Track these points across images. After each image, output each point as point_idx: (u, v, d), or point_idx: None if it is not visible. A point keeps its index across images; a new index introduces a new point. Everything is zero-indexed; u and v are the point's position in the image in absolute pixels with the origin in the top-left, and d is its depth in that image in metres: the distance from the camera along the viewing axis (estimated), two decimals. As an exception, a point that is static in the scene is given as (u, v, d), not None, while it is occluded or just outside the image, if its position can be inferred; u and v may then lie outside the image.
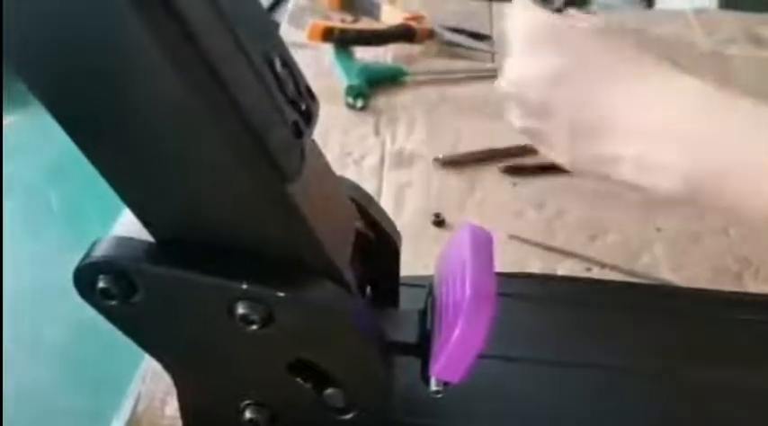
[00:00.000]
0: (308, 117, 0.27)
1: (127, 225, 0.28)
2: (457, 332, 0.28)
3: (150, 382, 0.40)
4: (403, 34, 0.71)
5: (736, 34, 0.75)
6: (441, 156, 0.58)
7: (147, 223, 0.27)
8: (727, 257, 0.51)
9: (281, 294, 0.27)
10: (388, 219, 0.35)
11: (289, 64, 0.27)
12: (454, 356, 0.29)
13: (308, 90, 0.28)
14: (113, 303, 0.27)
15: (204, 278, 0.27)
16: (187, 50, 0.23)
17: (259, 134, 0.25)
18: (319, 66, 0.68)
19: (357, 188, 0.34)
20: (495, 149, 0.59)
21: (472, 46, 0.72)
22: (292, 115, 0.26)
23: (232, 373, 0.30)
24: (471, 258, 0.30)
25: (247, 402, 0.30)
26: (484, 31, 0.75)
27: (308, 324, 0.28)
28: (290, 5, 0.80)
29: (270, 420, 0.30)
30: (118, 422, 0.39)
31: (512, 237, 0.52)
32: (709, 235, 0.53)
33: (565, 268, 0.50)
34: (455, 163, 0.58)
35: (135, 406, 0.40)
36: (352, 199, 0.33)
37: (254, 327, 0.27)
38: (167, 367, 0.30)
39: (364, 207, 0.33)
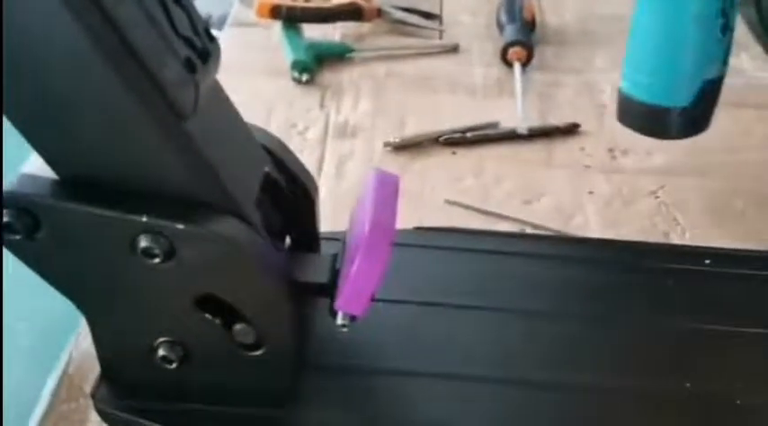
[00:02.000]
0: (205, 55, 0.28)
1: (35, 163, 0.29)
2: (356, 265, 0.29)
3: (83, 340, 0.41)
4: (351, 12, 0.72)
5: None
6: (392, 141, 0.58)
7: (50, 162, 0.28)
8: (655, 218, 0.52)
9: (181, 226, 0.28)
10: (305, 170, 0.36)
11: (183, 3, 0.28)
12: (354, 288, 0.30)
13: (207, 31, 0.29)
14: (18, 237, 0.28)
15: (106, 212, 0.28)
16: None
17: (150, 69, 0.25)
18: (268, 43, 0.69)
19: (271, 137, 0.35)
20: (444, 131, 0.59)
21: (420, 24, 0.73)
22: (184, 50, 0.27)
23: (140, 310, 0.30)
24: (373, 198, 0.31)
25: (160, 340, 0.31)
26: (434, 10, 0.76)
27: (210, 258, 0.29)
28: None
29: (183, 357, 0.31)
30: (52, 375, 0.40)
31: (449, 203, 0.54)
32: (639, 198, 0.54)
33: (506, 227, 0.51)
34: (405, 146, 0.58)
35: (69, 356, 0.41)
36: (266, 148, 0.34)
37: (157, 260, 0.28)
38: (79, 306, 0.31)
39: (278, 155, 0.34)
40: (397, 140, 0.58)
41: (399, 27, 0.73)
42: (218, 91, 0.31)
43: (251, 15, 0.72)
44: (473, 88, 0.66)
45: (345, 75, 0.67)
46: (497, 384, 0.34)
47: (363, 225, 0.30)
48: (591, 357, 0.36)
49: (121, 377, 0.32)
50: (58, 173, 0.28)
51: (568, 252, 0.44)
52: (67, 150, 0.28)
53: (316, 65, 0.66)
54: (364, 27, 0.73)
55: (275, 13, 0.69)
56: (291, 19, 0.69)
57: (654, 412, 0.33)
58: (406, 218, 0.42)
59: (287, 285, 0.30)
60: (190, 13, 0.28)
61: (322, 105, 0.63)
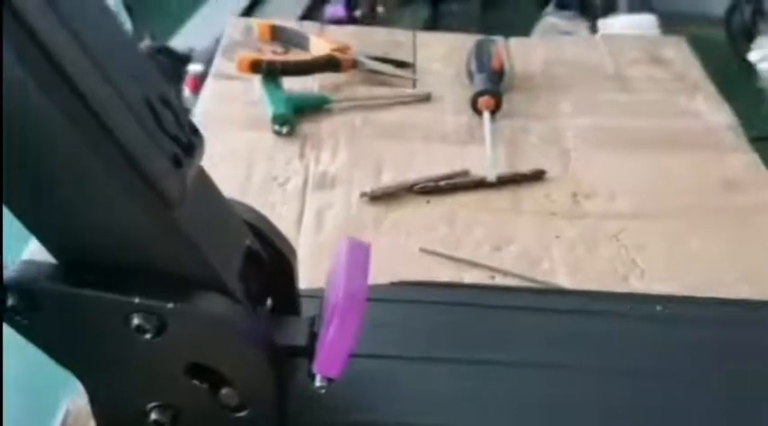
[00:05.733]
0: (190, 149, 0.31)
1: (37, 248, 0.32)
2: (331, 331, 0.32)
3: (80, 398, 0.44)
4: (328, 64, 0.75)
5: (638, 56, 0.81)
6: (368, 191, 0.61)
7: (49, 248, 0.31)
8: (616, 262, 0.56)
9: (171, 305, 0.31)
10: (282, 237, 0.39)
11: (170, 102, 0.31)
12: (330, 353, 0.32)
13: (191, 126, 0.32)
14: (21, 318, 0.31)
15: (100, 294, 0.31)
16: (67, 97, 0.26)
17: (138, 166, 0.28)
18: (248, 97, 0.72)
19: (252, 210, 0.38)
20: (418, 180, 0.62)
21: (394, 73, 0.77)
22: (173, 148, 0.30)
23: (134, 378, 0.33)
24: (345, 266, 0.34)
25: (152, 404, 0.34)
26: (407, 59, 0.80)
27: (198, 332, 0.31)
28: (223, 39, 0.84)
29: (173, 419, 0.34)
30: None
31: (424, 251, 0.57)
32: (602, 242, 0.57)
33: (471, 277, 0.54)
34: (381, 196, 0.61)
35: (64, 419, 0.43)
36: (247, 222, 0.37)
37: (149, 336, 0.31)
38: (78, 376, 0.33)
39: (258, 227, 0.37)
40: (372, 190, 0.61)
41: (374, 77, 0.77)
42: (202, 176, 0.34)
43: (232, 68, 0.76)
44: (445, 136, 0.70)
45: (324, 126, 0.70)
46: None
47: (337, 293, 0.33)
48: (576, 405, 0.39)
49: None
50: (55, 257, 0.31)
51: (540, 302, 0.47)
52: (64, 237, 0.30)
53: (295, 116, 0.69)
54: (341, 77, 0.76)
55: (255, 67, 0.72)
56: (271, 73, 0.72)
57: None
58: (383, 267, 0.45)
59: (268, 351, 0.33)
60: (176, 111, 0.31)
61: (302, 156, 0.66)
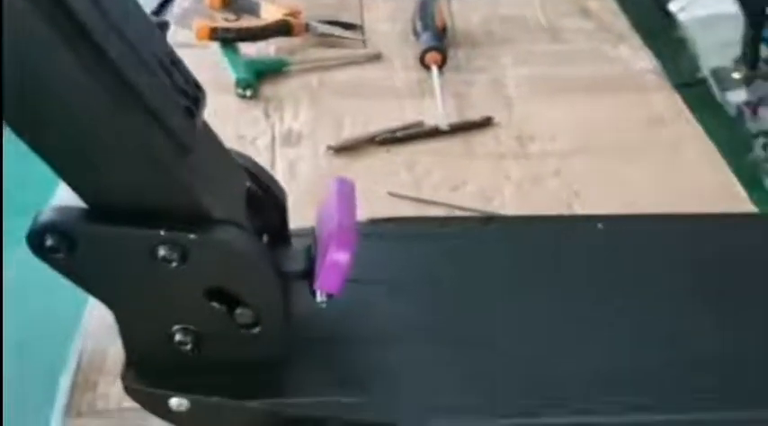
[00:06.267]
0: (197, 102, 0.36)
1: (63, 196, 0.36)
2: (330, 252, 0.38)
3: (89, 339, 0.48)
4: (281, 29, 0.79)
5: (569, 9, 0.88)
6: (333, 145, 0.66)
7: (79, 193, 0.35)
8: (559, 193, 0.63)
9: (192, 236, 0.35)
10: (274, 180, 0.44)
11: (175, 61, 0.35)
12: (331, 270, 0.38)
13: (195, 81, 0.37)
14: (60, 256, 0.35)
15: (129, 230, 0.35)
16: (93, 58, 0.31)
17: (159, 118, 0.33)
18: (208, 63, 0.76)
19: (246, 157, 0.43)
20: (377, 132, 0.68)
21: (344, 35, 0.82)
22: (184, 101, 0.35)
23: (160, 304, 0.38)
24: (337, 201, 0.39)
25: (175, 327, 0.39)
26: (355, 21, 0.85)
27: (216, 259, 0.36)
28: (175, 8, 0.86)
29: (195, 339, 0.39)
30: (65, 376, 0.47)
31: (391, 194, 0.62)
32: (546, 178, 0.64)
33: (433, 214, 0.60)
34: (345, 148, 0.66)
35: (79, 360, 0.48)
36: (243, 166, 0.42)
37: (174, 265, 0.36)
38: (109, 305, 0.38)
39: (253, 172, 0.42)
40: (337, 144, 0.66)
41: (326, 39, 0.81)
42: (205, 126, 0.38)
43: (189, 36, 0.79)
44: (398, 91, 0.75)
45: (284, 88, 0.75)
46: (454, 344, 0.43)
47: (333, 221, 0.38)
48: (541, 320, 0.45)
49: (145, 361, 0.40)
50: (85, 201, 0.35)
51: (500, 230, 0.53)
52: (95, 184, 0.35)
53: (256, 80, 0.73)
54: (295, 42, 0.80)
55: (213, 34, 0.76)
56: (228, 39, 0.76)
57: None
58: (358, 211, 0.50)
59: (276, 274, 0.38)
60: (183, 69, 0.36)
61: (267, 116, 0.71)
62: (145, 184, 0.35)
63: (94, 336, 0.50)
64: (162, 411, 0.40)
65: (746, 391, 0.41)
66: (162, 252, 0.36)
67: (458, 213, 0.60)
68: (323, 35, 0.81)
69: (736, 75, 1.79)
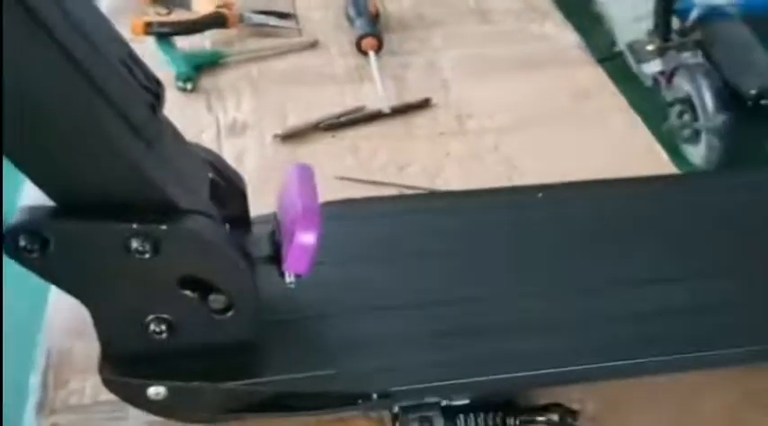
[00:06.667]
0: (158, 97, 0.37)
1: (31, 196, 0.36)
2: (298, 233, 0.39)
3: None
4: (216, 21, 0.79)
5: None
6: (279, 133, 0.68)
7: (48, 192, 0.36)
8: (499, 167, 0.66)
9: (164, 227, 0.37)
10: (233, 170, 0.45)
11: (135, 58, 0.36)
12: (297, 251, 0.40)
13: (155, 77, 0.38)
14: (35, 256, 0.36)
15: (101, 224, 0.36)
16: (57, 57, 0.32)
17: (125, 115, 0.34)
18: (145, 58, 0.76)
19: (206, 149, 0.44)
20: (322, 119, 0.69)
21: (278, 24, 0.83)
22: (147, 97, 0.36)
23: (134, 296, 0.39)
24: (298, 185, 0.41)
25: (150, 317, 0.40)
26: (288, 10, 0.86)
27: (187, 248, 0.38)
28: (104, 4, 0.85)
29: (169, 327, 0.40)
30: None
31: (339, 178, 0.64)
32: (485, 154, 0.67)
33: (385, 191, 0.63)
34: (291, 135, 0.68)
35: (47, 358, 0.48)
36: (204, 158, 0.43)
37: (147, 256, 0.37)
38: (84, 301, 0.39)
39: (213, 162, 0.44)
40: (283, 132, 0.68)
41: (260, 29, 0.82)
42: (167, 119, 0.40)
43: (122, 32, 0.78)
44: (337, 77, 0.77)
45: (223, 79, 0.75)
46: (420, 308, 0.45)
47: (297, 205, 0.40)
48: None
49: (122, 353, 0.41)
50: (55, 200, 0.36)
51: (447, 203, 0.56)
52: (64, 182, 0.35)
53: (195, 73, 0.74)
54: (230, 33, 0.81)
55: (148, 29, 0.75)
56: (163, 34, 0.76)
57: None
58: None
59: (245, 260, 0.40)
60: (143, 67, 0.37)
61: (209, 108, 0.71)
62: (113, 179, 0.36)
63: (59, 334, 0.50)
64: (140, 401, 0.42)
65: (682, 336, 0.45)
66: (134, 244, 0.37)
67: (405, 192, 0.63)
68: (258, 25, 0.82)
69: (649, 48, 1.88)
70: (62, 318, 0.51)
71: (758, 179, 0.60)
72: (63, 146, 0.34)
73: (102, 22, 0.36)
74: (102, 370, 0.41)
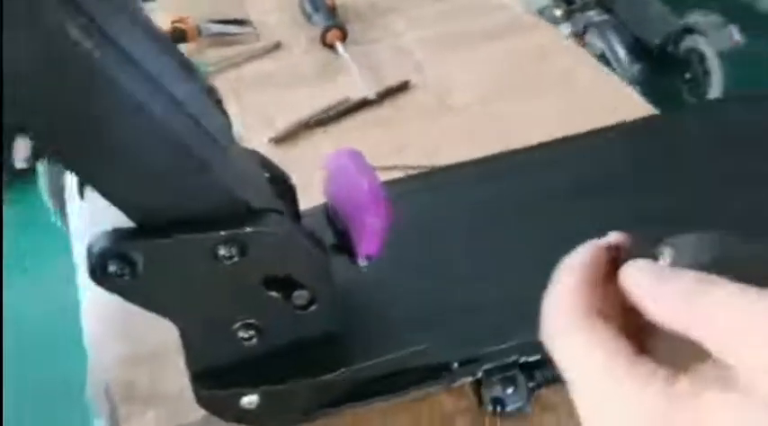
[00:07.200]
0: (219, 100, 0.37)
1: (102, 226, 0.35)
2: (368, 215, 0.40)
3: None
4: (175, 37, 0.78)
5: None
6: (274, 135, 0.67)
7: (128, 212, 0.35)
8: (488, 133, 0.68)
9: (249, 229, 0.36)
10: (281, 169, 0.45)
11: (213, 90, 0.36)
12: (370, 233, 0.40)
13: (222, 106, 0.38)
14: (125, 279, 0.35)
15: (189, 236, 0.35)
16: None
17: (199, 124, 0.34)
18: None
19: (250, 150, 0.44)
20: (310, 116, 0.69)
21: (237, 32, 0.82)
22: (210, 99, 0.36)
23: (223, 304, 0.38)
24: (356, 168, 0.42)
25: (238, 324, 0.39)
26: (241, 16, 0.85)
27: (273, 246, 0.37)
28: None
29: (257, 332, 0.40)
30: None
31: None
32: (473, 124, 0.69)
33: (391, 175, 0.63)
34: (285, 137, 0.68)
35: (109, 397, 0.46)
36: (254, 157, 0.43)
37: (234, 260, 0.37)
38: (175, 318, 0.38)
39: (261, 161, 0.43)
40: (277, 134, 0.67)
41: (220, 39, 0.81)
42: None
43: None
44: (309, 74, 0.77)
45: (197, 93, 0.74)
46: (483, 278, 0.46)
47: (362, 189, 0.40)
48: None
49: (212, 367, 0.40)
50: (134, 219, 0.35)
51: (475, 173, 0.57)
52: (148, 201, 0.35)
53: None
54: (190, 47, 0.79)
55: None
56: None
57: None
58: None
59: (323, 251, 0.40)
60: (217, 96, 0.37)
61: (193, 123, 0.70)
62: (192, 189, 0.35)
63: (109, 370, 0.48)
64: (233, 412, 0.41)
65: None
66: (222, 251, 0.36)
67: (411, 172, 0.64)
68: (217, 35, 0.81)
69: (557, 12, 1.95)
70: (108, 353, 0.49)
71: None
72: (149, 175, 0.34)
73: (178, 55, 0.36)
74: (195, 390, 0.40)
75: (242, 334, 0.40)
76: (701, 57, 1.65)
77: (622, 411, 0.19)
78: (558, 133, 0.65)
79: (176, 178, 0.34)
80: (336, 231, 0.43)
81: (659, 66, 1.77)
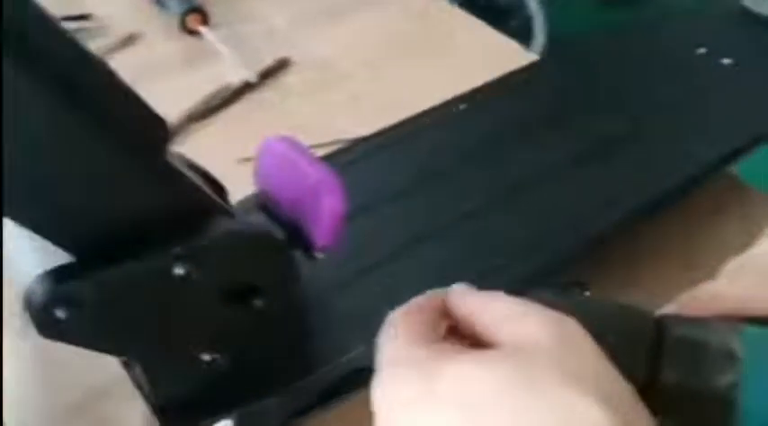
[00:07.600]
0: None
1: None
2: (325, 202, 0.37)
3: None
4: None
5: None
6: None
7: (67, 247, 0.30)
8: (392, 96, 0.66)
9: (205, 241, 0.32)
10: (207, 170, 0.41)
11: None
12: (328, 221, 0.37)
13: None
14: (73, 324, 0.29)
15: (141, 259, 0.31)
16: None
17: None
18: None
19: (173, 153, 0.39)
20: (190, 110, 0.64)
21: (82, 27, 0.73)
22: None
23: (185, 324, 0.34)
24: (298, 155, 0.38)
25: (200, 347, 0.35)
26: (79, 11, 0.76)
27: (229, 252, 0.34)
28: None
29: (222, 353, 0.36)
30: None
31: (243, 159, 0.60)
32: (361, 93, 0.67)
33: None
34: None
35: None
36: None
37: (192, 276, 0.32)
38: (130, 355, 0.33)
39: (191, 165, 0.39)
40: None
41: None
42: None
43: None
44: (175, 65, 0.71)
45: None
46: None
47: (309, 176, 0.37)
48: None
49: (179, 398, 0.35)
50: (74, 253, 0.30)
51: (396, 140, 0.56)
52: (85, 230, 0.30)
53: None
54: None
55: None
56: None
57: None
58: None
59: (283, 244, 0.37)
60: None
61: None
62: (133, 205, 0.31)
63: None
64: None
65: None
66: (178, 270, 0.32)
67: (330, 148, 0.60)
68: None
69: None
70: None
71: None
72: (74, 185, 0.28)
73: None
74: (161, 423, 0.36)
75: (206, 358, 0.36)
76: (522, 4, 1.73)
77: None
78: (456, 90, 0.64)
79: (110, 194, 0.30)
80: (282, 224, 0.40)
81: (485, 17, 1.84)
